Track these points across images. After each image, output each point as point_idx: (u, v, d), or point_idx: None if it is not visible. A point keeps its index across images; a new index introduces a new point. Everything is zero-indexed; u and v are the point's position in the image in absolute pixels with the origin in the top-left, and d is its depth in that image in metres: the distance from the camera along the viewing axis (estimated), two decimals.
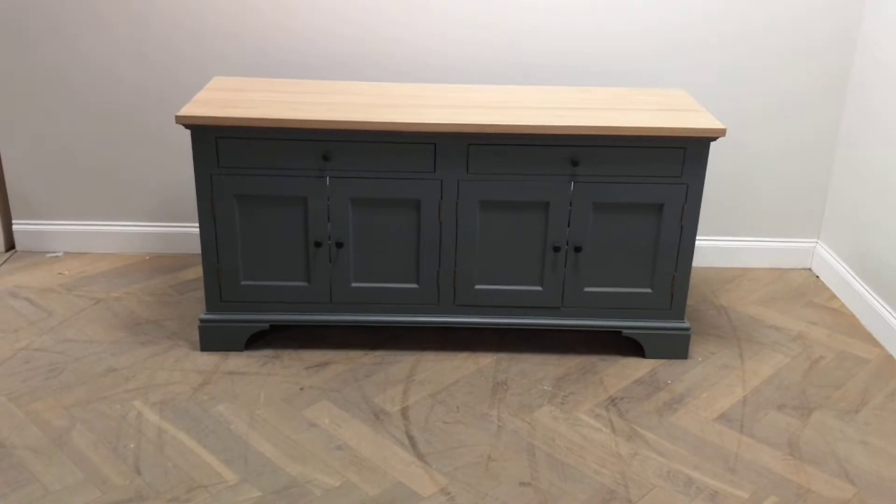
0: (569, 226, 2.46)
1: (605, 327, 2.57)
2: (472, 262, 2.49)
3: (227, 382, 2.41)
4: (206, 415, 2.27)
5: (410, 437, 2.20)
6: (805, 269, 3.28)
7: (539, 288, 2.53)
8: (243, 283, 2.50)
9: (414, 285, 2.52)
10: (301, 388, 2.39)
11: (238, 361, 2.51)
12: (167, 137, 3.06)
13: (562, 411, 2.33)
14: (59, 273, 3.05)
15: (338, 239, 2.45)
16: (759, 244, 3.24)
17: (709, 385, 2.48)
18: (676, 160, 2.38)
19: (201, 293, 2.89)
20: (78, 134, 3.07)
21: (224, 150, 2.35)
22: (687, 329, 2.58)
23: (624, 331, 2.58)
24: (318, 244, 2.44)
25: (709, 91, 3.00)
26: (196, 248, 3.16)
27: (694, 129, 2.33)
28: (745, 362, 2.61)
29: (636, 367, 2.56)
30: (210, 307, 2.53)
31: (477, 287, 2.52)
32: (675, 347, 2.60)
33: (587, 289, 2.53)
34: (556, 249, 2.47)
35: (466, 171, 2.39)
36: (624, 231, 2.47)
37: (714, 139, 2.36)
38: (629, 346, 2.64)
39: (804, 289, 3.12)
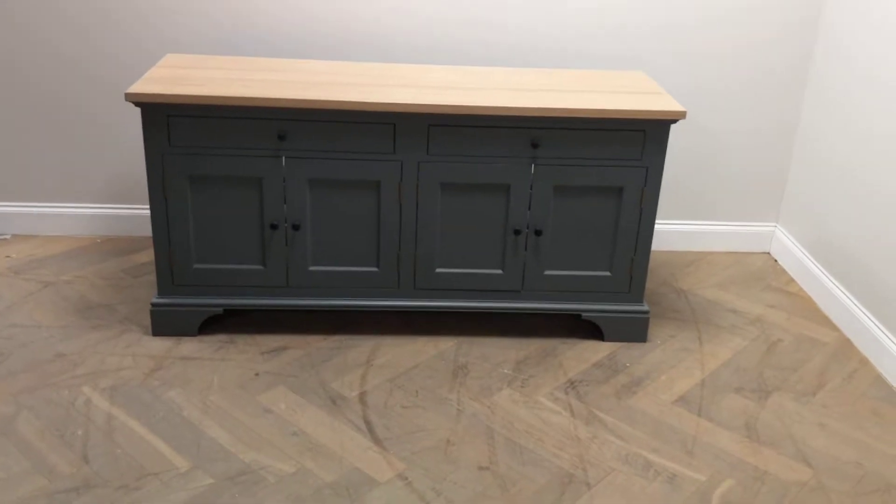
0: (529, 209, 2.43)
1: (565, 310, 2.56)
2: (433, 244, 2.46)
3: (179, 368, 2.35)
4: (158, 401, 2.21)
5: (368, 423, 2.17)
6: (764, 252, 3.30)
7: (500, 271, 2.50)
8: (196, 266, 2.44)
9: (373, 269, 2.48)
10: (256, 374, 2.35)
11: (191, 346, 2.46)
12: (118, 116, 2.97)
13: (521, 395, 2.32)
14: (7, 256, 2.96)
15: (294, 221, 2.40)
16: (719, 228, 3.25)
17: (667, 368, 2.48)
18: (636, 143, 2.37)
19: (154, 277, 2.82)
20: (25, 113, 2.97)
21: (176, 128, 2.28)
22: (646, 312, 2.58)
23: (583, 314, 2.57)
24: (273, 226, 2.39)
25: (670, 74, 2.99)
26: (150, 230, 3.09)
27: (654, 112, 2.32)
28: (703, 345, 2.61)
29: (595, 351, 2.55)
30: (162, 290, 2.46)
31: (437, 270, 2.49)
32: (634, 330, 2.59)
33: (547, 272, 2.51)
34: (517, 233, 2.45)
35: (427, 152, 2.35)
36: (584, 214, 2.46)
37: (674, 122, 2.35)
38: (589, 329, 2.63)
39: (763, 272, 3.14)
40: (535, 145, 2.34)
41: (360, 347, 2.50)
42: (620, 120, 2.33)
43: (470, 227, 2.45)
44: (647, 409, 2.28)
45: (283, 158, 2.33)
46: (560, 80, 2.59)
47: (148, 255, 2.99)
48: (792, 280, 3.08)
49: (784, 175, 3.19)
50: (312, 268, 2.46)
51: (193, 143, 2.30)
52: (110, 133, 3.01)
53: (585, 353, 2.53)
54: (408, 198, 2.39)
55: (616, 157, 2.38)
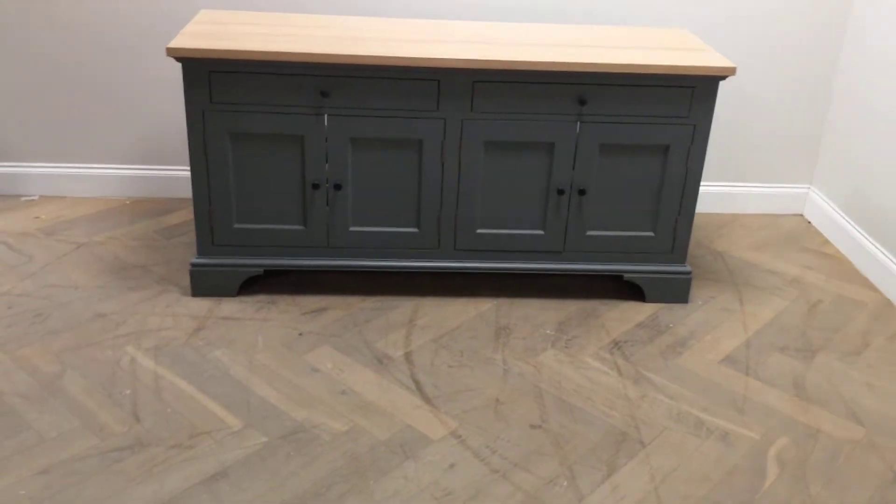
0: (574, 168, 2.40)
1: (607, 271, 2.54)
2: (474, 205, 2.43)
3: (222, 328, 2.33)
4: (204, 360, 2.19)
5: (416, 382, 2.15)
6: (796, 214, 3.27)
7: (541, 232, 2.48)
8: (236, 225, 2.41)
9: (414, 229, 2.45)
10: (300, 334, 2.33)
11: (232, 307, 2.43)
12: (148, 72, 2.92)
13: (566, 355, 2.30)
14: (36, 217, 2.92)
15: (336, 181, 2.37)
16: (751, 189, 3.22)
17: (710, 328, 2.46)
18: (684, 100, 2.33)
19: (188, 238, 2.79)
20: (53, 70, 2.92)
21: (217, 85, 2.24)
22: (688, 273, 2.56)
23: (625, 275, 2.55)
24: (315, 186, 2.36)
25: (705, 33, 2.94)
26: (180, 192, 3.05)
27: (703, 68, 2.28)
28: (744, 306, 2.60)
29: (637, 311, 2.53)
30: (202, 251, 2.43)
31: (478, 231, 2.46)
32: (677, 291, 2.57)
33: (590, 233, 2.49)
34: (560, 192, 2.42)
35: (471, 109, 2.31)
36: (628, 173, 2.43)
37: (723, 78, 2.31)
38: (629, 290, 2.61)
39: (797, 234, 3.12)
40: (582, 102, 2.30)
41: (401, 308, 2.48)
42: (669, 76, 2.29)
43: (512, 187, 2.42)
44: (694, 369, 2.27)
45: (326, 116, 2.29)
46: (603, 36, 2.54)
47: (179, 217, 2.96)
48: (827, 241, 3.06)
49: (818, 135, 3.15)
50: (353, 228, 2.43)
51: (235, 100, 2.26)
52: (138, 92, 2.96)
53: (627, 314, 2.51)
54: (450, 157, 2.36)
55: (663, 115, 2.35)
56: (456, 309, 2.49)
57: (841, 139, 3.04)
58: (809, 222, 3.21)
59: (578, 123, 2.35)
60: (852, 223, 2.94)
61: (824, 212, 3.11)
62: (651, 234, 2.50)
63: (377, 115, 2.30)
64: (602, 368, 2.25)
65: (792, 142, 3.15)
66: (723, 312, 2.55)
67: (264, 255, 2.45)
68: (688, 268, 2.55)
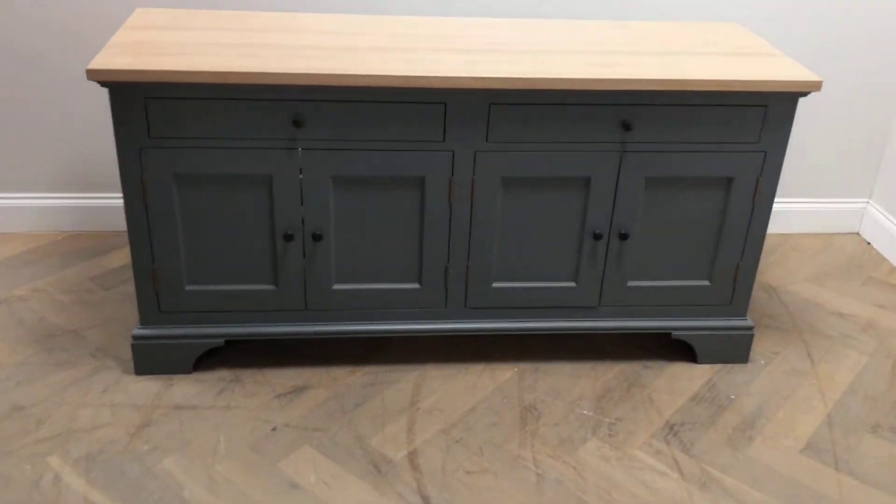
0: (614, 208, 1.91)
1: (652, 329, 2.06)
2: (490, 254, 1.93)
3: (173, 422, 1.83)
4: (149, 474, 1.69)
5: (426, 499, 1.67)
6: (853, 233, 2.81)
7: (573, 284, 1.99)
8: (188, 287, 1.90)
9: (415, 285, 1.95)
10: (273, 428, 1.83)
11: (187, 389, 1.93)
12: (81, 85, 2.38)
13: (612, 447, 1.83)
14: None
15: (315, 229, 1.86)
16: (800, 206, 2.75)
17: (781, 399, 2.00)
18: (755, 121, 1.84)
19: (131, 287, 2.27)
20: None
21: (157, 114, 1.71)
22: (750, 328, 2.09)
23: (674, 333, 2.07)
24: (288, 237, 1.85)
25: (753, 27, 2.45)
26: (123, 224, 2.52)
27: (780, 83, 1.78)
28: (816, 364, 2.14)
29: (689, 377, 2.06)
30: (146, 319, 1.92)
31: (495, 285, 1.97)
32: (735, 350, 2.11)
33: (631, 283, 2.01)
34: (598, 237, 1.93)
35: (486, 139, 1.81)
36: (681, 212, 1.94)
37: (805, 94, 1.82)
38: (677, 348, 2.14)
39: (858, 260, 2.65)
40: (626, 127, 1.80)
41: (401, 383, 1.99)
42: (738, 93, 1.80)
43: (537, 232, 1.93)
44: (772, 463, 1.81)
45: (300, 151, 1.77)
46: (642, 36, 2.04)
47: (121, 257, 2.43)
48: (894, 269, 2.60)
49: (881, 141, 2.68)
50: (337, 286, 1.93)
51: (180, 134, 1.73)
52: (70, 108, 2.41)
53: (678, 382, 2.04)
54: (460, 197, 1.86)
55: (727, 140, 1.86)
56: (469, 382, 2.00)
57: None
58: (869, 243, 2.75)
59: (621, 153, 1.85)
60: None
61: (887, 231, 2.65)
62: (706, 282, 2.02)
63: (366, 147, 1.79)
64: (658, 467, 1.78)
65: (848, 149, 2.68)
66: (792, 375, 2.09)
67: (225, 323, 1.94)
68: (749, 322, 2.08)
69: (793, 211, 2.74)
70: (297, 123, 1.73)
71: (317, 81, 1.68)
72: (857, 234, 2.80)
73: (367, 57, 1.78)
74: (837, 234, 2.80)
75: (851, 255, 2.68)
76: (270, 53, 1.77)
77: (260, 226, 1.85)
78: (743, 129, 1.85)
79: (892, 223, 2.65)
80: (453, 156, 1.82)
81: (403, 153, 1.80)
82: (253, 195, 1.82)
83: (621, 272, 1.99)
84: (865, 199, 2.77)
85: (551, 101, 1.78)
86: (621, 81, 1.74)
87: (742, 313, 2.07)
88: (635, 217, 1.93)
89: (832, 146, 2.67)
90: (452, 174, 1.83)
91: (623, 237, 1.93)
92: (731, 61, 1.87)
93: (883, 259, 2.66)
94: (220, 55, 1.74)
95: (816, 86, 1.79)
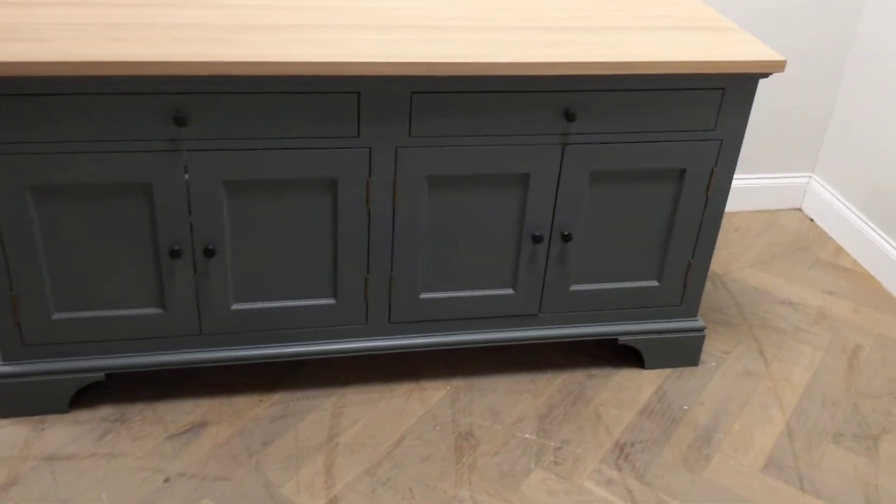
0: (556, 206, 1.68)
1: (598, 335, 1.86)
2: (417, 263, 1.68)
3: (46, 479, 1.54)
4: None
5: None
6: (795, 209, 2.66)
7: (510, 291, 1.76)
8: (57, 316, 1.59)
9: (330, 301, 1.69)
10: (166, 479, 1.56)
11: (62, 433, 1.64)
12: None
13: (558, 477, 1.63)
14: None
15: (206, 243, 1.57)
16: (743, 182, 2.58)
17: (737, 408, 1.83)
18: (710, 106, 1.63)
19: None
20: None
21: (3, 115, 1.39)
22: (701, 329, 1.90)
23: (621, 338, 1.87)
24: (175, 253, 1.55)
25: None
26: None
27: (741, 63, 1.57)
28: (769, 364, 1.98)
29: (637, 385, 1.87)
30: (7, 354, 1.61)
31: (423, 296, 1.73)
32: (685, 353, 1.92)
33: (574, 287, 1.79)
34: (537, 240, 1.69)
35: (408, 133, 1.54)
36: (629, 208, 1.72)
37: (766, 76, 1.61)
38: (622, 352, 1.95)
39: (803, 239, 2.51)
40: (569, 117, 1.56)
41: (316, 412, 1.73)
42: (694, 76, 1.58)
43: (470, 236, 1.68)
44: (733, 485, 1.64)
45: (185, 153, 1.48)
46: (581, 6, 1.79)
47: None
48: (841, 249, 2.46)
49: (824, 113, 2.52)
50: (236, 306, 1.65)
51: (35, 138, 1.41)
52: None
53: (626, 392, 1.85)
54: (380, 200, 1.59)
55: (680, 128, 1.64)
56: (395, 406, 1.76)
57: (854, 115, 2.41)
58: (812, 220, 2.60)
59: (563, 146, 1.61)
60: (871, 224, 2.35)
61: (831, 207, 2.51)
62: (655, 283, 1.82)
63: (264, 146, 1.50)
64: (611, 500, 1.59)
65: (790, 122, 2.51)
66: (746, 378, 1.92)
67: (105, 354, 1.65)
68: (701, 323, 1.90)
69: (733, 188, 2.57)
70: (179, 121, 1.42)
71: (201, 71, 1.38)
72: (800, 209, 2.66)
73: (263, 38, 1.48)
74: (780, 210, 2.65)
75: (796, 234, 2.52)
76: (144, 36, 1.45)
77: (140, 241, 1.55)
78: (698, 114, 1.63)
79: (836, 198, 2.51)
80: (370, 153, 1.54)
81: (310, 152, 1.52)
82: (130, 206, 1.51)
83: (564, 276, 1.77)
84: (808, 174, 2.62)
85: (483, 89, 1.52)
86: (563, 65, 1.49)
87: (693, 313, 1.89)
88: (579, 216, 1.70)
89: (774, 119, 2.49)
90: (370, 174, 1.57)
91: (566, 238, 1.71)
92: (683, 38, 1.64)
93: (827, 237, 2.51)
94: (82, 39, 1.41)
95: (779, 66, 1.58)
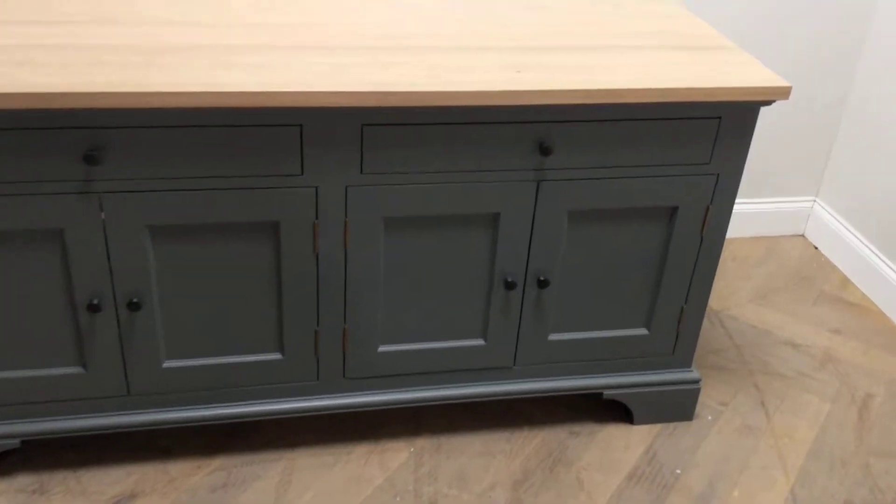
0: (530, 249, 1.49)
1: (580, 389, 1.67)
2: (374, 312, 1.49)
3: None
4: None
5: None
6: (797, 235, 2.47)
7: (481, 342, 1.57)
8: None
9: (276, 356, 1.50)
10: None
11: None
12: None
13: None
14: None
15: (130, 296, 1.38)
16: (741, 207, 2.39)
17: (735, 471, 1.64)
18: (705, 137, 1.44)
19: None
20: None
21: None
22: (696, 381, 1.71)
23: (606, 392, 1.68)
24: (94, 307, 1.36)
25: (691, 5, 2.04)
26: None
27: (741, 90, 1.37)
28: (771, 417, 1.79)
29: (624, 445, 1.68)
30: None
31: (382, 349, 1.53)
32: (678, 408, 1.73)
33: (554, 337, 1.60)
34: (510, 286, 1.50)
35: (360, 169, 1.35)
36: (614, 250, 1.53)
37: (768, 103, 1.42)
38: (608, 406, 1.76)
39: (807, 269, 2.31)
40: (544, 150, 1.37)
41: (262, 480, 1.54)
42: (687, 104, 1.39)
43: (434, 282, 1.49)
44: None
45: (100, 195, 1.28)
46: (557, 22, 1.60)
47: None
48: (848, 281, 2.27)
49: (829, 132, 2.33)
50: (168, 364, 1.46)
51: None
52: None
53: (611, 453, 1.66)
54: (330, 244, 1.40)
55: (670, 162, 1.45)
56: (351, 472, 1.57)
57: (860, 137, 2.22)
58: (816, 247, 2.41)
59: (538, 183, 1.42)
60: (877, 251, 2.16)
61: (835, 233, 2.32)
62: (644, 331, 1.63)
63: (193, 186, 1.31)
64: None
65: (792, 142, 2.32)
66: (745, 435, 1.73)
67: (18, 419, 1.45)
68: (695, 374, 1.71)
69: (734, 212, 2.38)
70: (91, 160, 1.23)
71: (115, 103, 1.19)
72: (803, 236, 2.47)
73: (189, 61, 1.29)
74: (781, 236, 2.46)
75: (799, 264, 2.33)
76: (49, 59, 1.26)
77: (53, 295, 1.36)
78: (691, 147, 1.44)
79: (842, 224, 2.32)
80: (317, 193, 1.35)
81: (248, 192, 1.33)
82: (38, 256, 1.32)
83: (541, 325, 1.57)
84: (811, 198, 2.43)
85: (444, 121, 1.33)
86: (535, 94, 1.30)
87: (687, 363, 1.70)
88: (557, 259, 1.51)
89: (774, 138, 2.30)
90: (317, 216, 1.37)
91: (542, 284, 1.51)
92: (674, 59, 1.45)
93: (833, 268, 2.33)
94: None
95: (783, 93, 1.39)
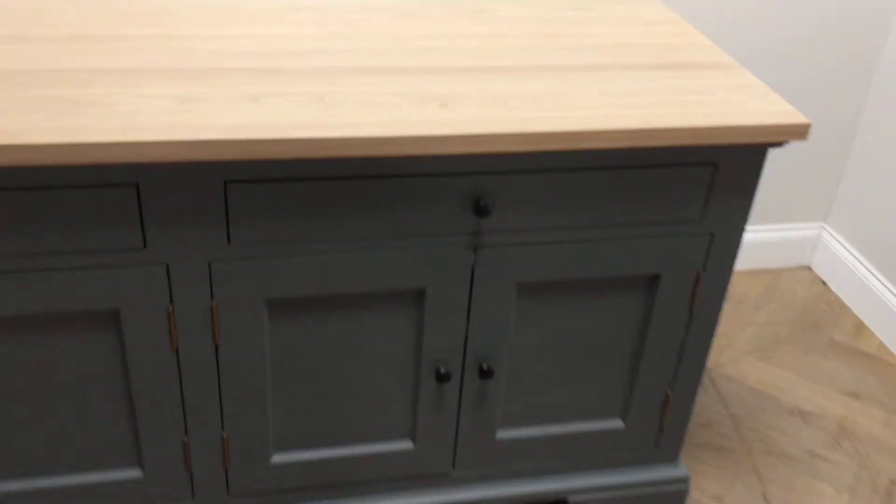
0: (468, 331, 1.14)
1: (539, 495, 1.32)
2: (260, 416, 1.14)
3: None
4: None
5: None
6: (803, 267, 2.13)
7: (409, 445, 1.22)
8: None
9: (135, 473, 1.15)
10: None
11: None
12: None
13: None
14: None
15: None
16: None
17: None
18: (695, 189, 1.09)
19: None
20: None
21: None
22: (684, 480, 1.37)
23: (572, 497, 1.34)
24: None
25: (679, 7, 1.68)
26: None
27: (743, 129, 1.02)
28: None
29: None
30: None
31: (276, 460, 1.18)
32: None
33: (503, 434, 1.25)
34: (443, 378, 1.15)
35: (227, 239, 0.99)
36: (577, 328, 1.19)
37: (780, 144, 1.07)
38: None
39: (814, 311, 1.97)
40: (481, 210, 1.02)
41: None
42: (672, 149, 1.04)
43: (343, 375, 1.14)
44: None
45: None
46: (508, 32, 1.24)
47: None
48: (863, 326, 1.93)
49: (842, 144, 1.98)
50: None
51: None
52: None
53: None
54: (193, 334, 1.05)
55: (651, 220, 1.10)
56: None
57: (880, 152, 1.88)
58: (824, 283, 2.07)
59: (474, 249, 1.07)
60: (893, 289, 1.83)
61: (847, 266, 1.98)
62: (619, 423, 1.29)
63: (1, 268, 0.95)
64: None
65: (798, 160, 1.97)
66: None
67: None
68: (683, 471, 1.37)
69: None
70: None
71: None
72: (809, 268, 2.12)
73: None
74: (785, 269, 2.11)
75: (805, 304, 1.99)
76: None
77: None
78: (676, 201, 1.09)
79: (854, 256, 1.97)
80: (167, 271, 1.00)
81: (72, 273, 0.97)
82: None
83: (485, 420, 1.23)
84: (819, 224, 2.09)
85: (340, 174, 0.98)
86: (466, 139, 0.95)
87: (673, 458, 1.36)
88: (503, 342, 1.16)
89: (777, 156, 1.95)
90: (171, 301, 1.02)
91: (485, 374, 1.17)
92: (654, 83, 1.09)
93: (845, 309, 1.98)
94: None
95: (800, 132, 1.04)
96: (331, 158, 0.95)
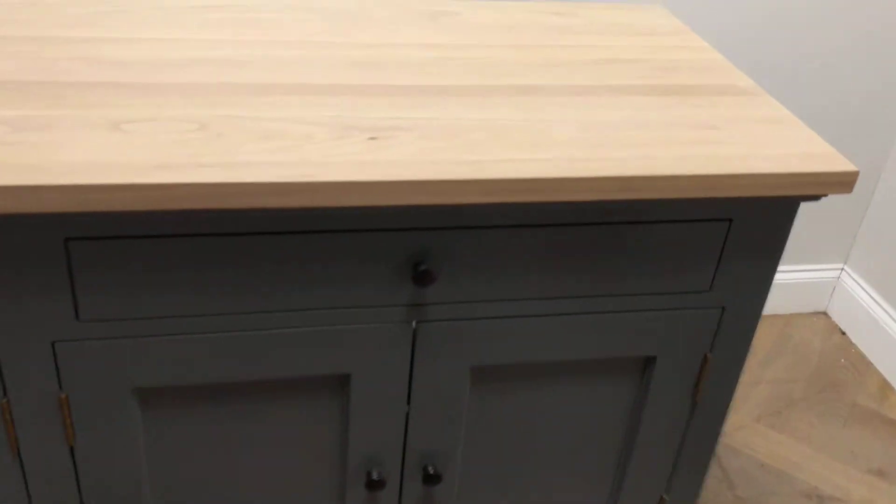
0: (408, 427, 0.89)
1: None
2: None
3: None
4: None
5: None
6: (818, 313, 1.88)
7: None
8: None
9: None
10: None
11: None
12: None
13: None
14: None
15: None
16: None
17: None
18: (704, 251, 0.84)
19: None
20: None
21: None
22: None
23: None
24: None
25: (682, 13, 1.43)
26: None
27: (769, 179, 0.77)
28: None
29: None
30: None
31: None
32: None
33: None
34: (376, 485, 0.90)
35: (75, 314, 0.74)
36: (548, 421, 0.93)
37: (816, 198, 0.82)
38: None
39: (833, 368, 1.72)
40: (421, 276, 0.76)
41: None
42: (667, 202, 0.79)
43: (245, 480, 0.89)
44: None
45: None
46: (470, 39, 0.99)
47: None
48: (888, 385, 1.68)
49: (867, 175, 1.73)
50: None
51: None
52: None
53: None
54: (36, 435, 0.79)
55: (642, 290, 0.85)
56: None
57: None
58: (843, 332, 1.82)
59: (414, 324, 0.82)
60: None
61: (869, 314, 1.73)
62: None
63: None
64: None
65: (821, 201, 1.73)
66: None
67: None
68: None
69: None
70: None
71: None
72: (826, 314, 1.87)
73: None
74: (798, 315, 1.86)
75: (822, 359, 1.74)
76: None
77: None
78: (679, 266, 0.84)
79: (877, 303, 1.72)
80: None
81: None
82: None
83: None
84: (839, 266, 1.84)
85: (234, 230, 0.73)
86: (406, 187, 0.69)
87: None
88: (455, 439, 0.91)
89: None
90: (5, 394, 0.77)
91: (431, 479, 0.91)
92: (651, 112, 0.84)
93: (867, 365, 1.73)
94: None
95: (847, 181, 0.79)
96: (211, 210, 0.70)
